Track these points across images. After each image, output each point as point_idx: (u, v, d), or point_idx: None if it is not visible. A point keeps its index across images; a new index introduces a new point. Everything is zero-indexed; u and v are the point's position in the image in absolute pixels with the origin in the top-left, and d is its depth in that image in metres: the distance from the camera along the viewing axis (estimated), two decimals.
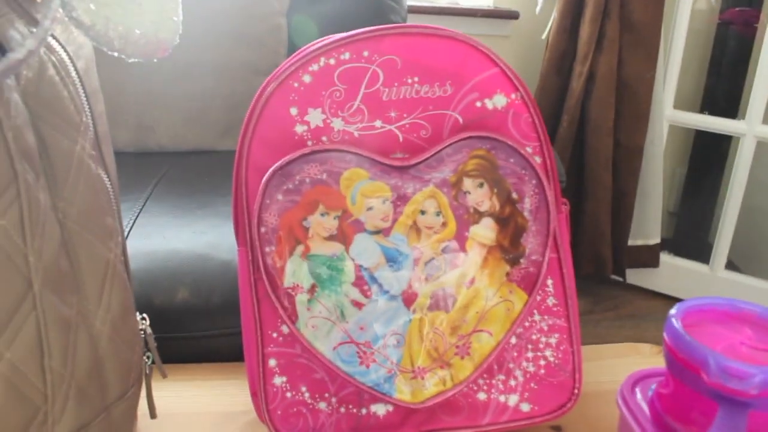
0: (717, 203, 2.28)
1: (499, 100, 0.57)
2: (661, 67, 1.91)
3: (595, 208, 1.95)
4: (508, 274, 0.57)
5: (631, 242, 2.06)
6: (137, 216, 0.89)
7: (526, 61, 2.13)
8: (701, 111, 2.23)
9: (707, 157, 2.32)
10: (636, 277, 2.16)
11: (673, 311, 0.54)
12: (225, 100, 1.25)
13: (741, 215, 2.02)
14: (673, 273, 2.14)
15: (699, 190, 2.35)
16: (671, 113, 2.03)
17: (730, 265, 2.13)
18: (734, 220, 2.00)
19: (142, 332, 0.54)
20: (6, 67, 0.37)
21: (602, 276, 2.07)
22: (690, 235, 2.38)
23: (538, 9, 1.98)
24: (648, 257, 2.09)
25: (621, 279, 2.13)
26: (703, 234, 2.36)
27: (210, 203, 0.94)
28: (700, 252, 2.19)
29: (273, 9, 1.29)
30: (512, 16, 2.04)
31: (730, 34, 2.17)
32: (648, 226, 2.06)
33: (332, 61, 0.55)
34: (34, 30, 0.40)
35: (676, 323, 0.53)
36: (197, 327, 0.74)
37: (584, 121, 1.92)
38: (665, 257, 2.15)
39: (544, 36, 1.98)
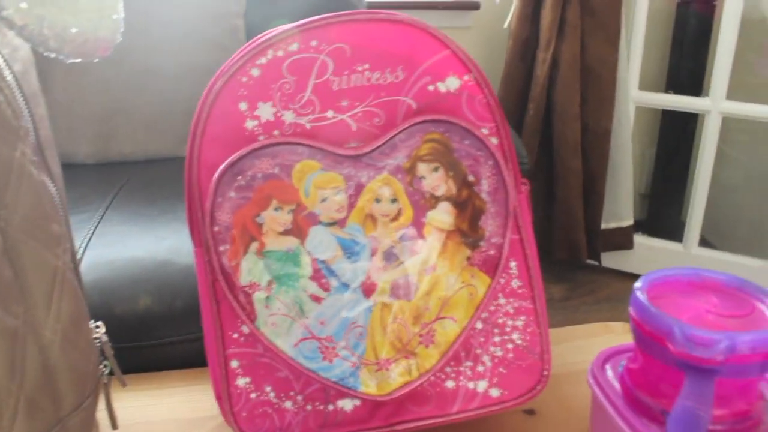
0: (688, 182, 2.30)
1: (452, 83, 0.56)
2: (624, 50, 1.92)
3: (566, 194, 1.96)
4: (468, 259, 0.56)
5: (604, 225, 2.07)
6: (97, 226, 0.88)
7: (489, 51, 2.13)
8: (666, 91, 2.24)
9: (675, 137, 2.34)
10: (611, 260, 2.17)
11: (638, 284, 0.54)
12: (185, 105, 1.23)
13: (711, 192, 2.03)
14: (647, 254, 2.15)
15: (669, 170, 2.37)
16: (637, 94, 2.04)
17: (704, 242, 2.15)
18: (704, 197, 2.02)
19: (98, 340, 0.52)
20: None
21: (578, 261, 2.07)
22: (663, 215, 2.39)
23: None
24: (622, 239, 2.09)
25: (596, 263, 2.13)
26: (676, 213, 2.37)
27: (171, 209, 0.93)
28: (674, 231, 2.20)
29: (230, 10, 1.28)
30: (473, 6, 2.04)
31: (690, 13, 2.18)
32: (620, 208, 2.07)
33: (280, 53, 0.54)
34: None
35: (641, 296, 0.52)
36: (161, 334, 0.73)
37: (551, 108, 1.92)
38: (639, 238, 2.16)
39: (506, 25, 1.98)
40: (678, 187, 2.37)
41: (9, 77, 0.44)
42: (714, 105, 1.92)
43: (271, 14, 1.33)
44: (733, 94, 1.93)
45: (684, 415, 0.48)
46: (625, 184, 2.04)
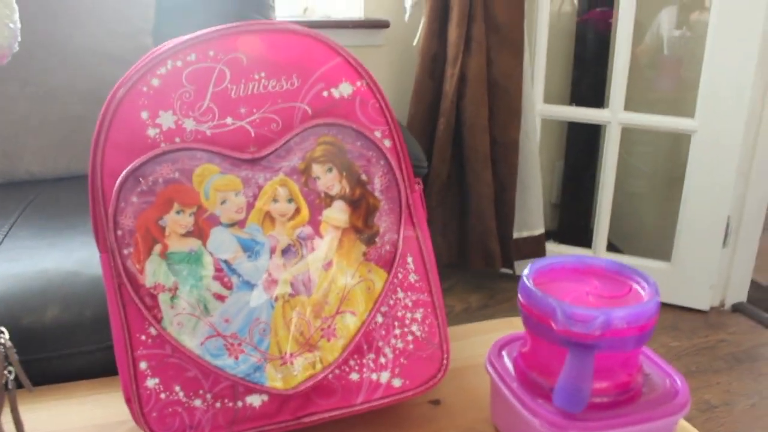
0: (595, 191, 2.39)
1: (345, 89, 0.59)
2: (528, 65, 1.99)
3: (479, 204, 2.01)
4: (365, 254, 0.59)
5: (516, 235, 2.13)
6: (2, 241, 0.87)
7: (400, 68, 2.18)
8: (570, 104, 2.34)
9: (582, 149, 2.44)
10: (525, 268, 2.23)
11: (525, 271, 0.58)
12: (93, 123, 1.23)
13: (617, 200, 2.12)
14: None
15: (578, 181, 2.46)
16: (542, 107, 2.12)
17: (611, 247, 2.23)
18: (609, 204, 2.10)
19: (2, 346, 0.53)
20: None
21: (493, 270, 2.13)
22: (573, 224, 2.48)
23: (406, 16, 2.03)
24: (534, 248, 2.16)
25: (511, 271, 2.19)
26: (585, 222, 2.46)
27: (80, 222, 0.92)
28: (585, 239, 2.29)
29: (138, 28, 1.28)
30: (383, 25, 2.08)
31: (589, 30, 2.29)
32: (531, 217, 2.13)
33: (179, 63, 0.56)
34: None
35: (527, 281, 0.56)
36: (71, 344, 0.73)
37: (460, 121, 1.98)
38: (551, 246, 2.23)
39: (415, 42, 2.03)
40: (587, 197, 2.46)
41: None
42: (613, 116, 2.01)
43: (179, 31, 1.34)
44: (634, 107, 2.02)
45: (567, 389, 0.52)
46: (535, 194, 2.11)
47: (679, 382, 0.57)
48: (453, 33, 1.90)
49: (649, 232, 2.36)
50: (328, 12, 2.15)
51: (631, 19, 1.90)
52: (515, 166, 2.02)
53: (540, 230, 2.15)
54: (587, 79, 2.33)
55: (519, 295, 0.57)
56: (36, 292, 0.74)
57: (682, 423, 0.64)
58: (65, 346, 0.73)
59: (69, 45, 1.21)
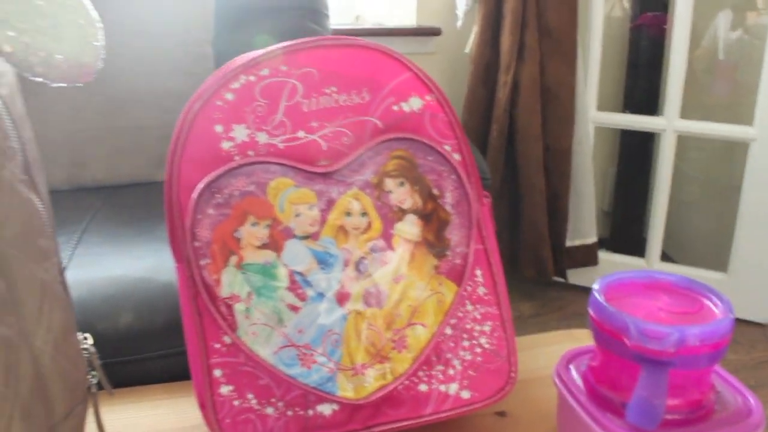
0: (648, 199, 2.36)
1: (414, 103, 0.60)
2: (581, 72, 1.98)
3: (531, 212, 2.00)
4: (436, 267, 0.60)
5: (569, 243, 2.12)
6: (75, 248, 0.90)
7: (452, 75, 2.18)
8: (624, 111, 2.31)
9: (635, 156, 2.41)
10: (577, 276, 2.22)
11: (595, 286, 0.58)
12: (157, 131, 1.26)
13: (671, 208, 2.10)
14: (612, 269, 2.18)
15: (630, 188, 2.43)
16: (595, 115, 2.10)
17: (665, 257, 2.20)
18: (664, 213, 2.08)
19: (86, 351, 0.55)
20: None
21: (545, 278, 2.12)
22: (625, 232, 2.46)
23: (459, 24, 2.03)
24: (587, 256, 2.14)
25: (563, 280, 2.18)
26: (638, 229, 2.44)
27: (148, 230, 0.95)
28: (637, 247, 2.26)
29: (199, 38, 1.31)
30: (435, 32, 2.09)
31: (644, 37, 2.27)
32: (584, 226, 2.12)
33: (252, 78, 0.58)
34: None
35: (598, 296, 0.56)
36: (143, 349, 0.75)
37: (513, 129, 1.97)
38: (603, 255, 2.21)
39: (467, 50, 2.04)
40: (639, 204, 2.43)
41: None
42: (668, 124, 1.98)
43: (238, 41, 1.37)
44: (688, 114, 2.00)
45: (641, 405, 0.51)
46: (588, 202, 2.10)
47: (752, 401, 0.56)
48: (506, 40, 1.90)
49: (703, 241, 2.32)
50: (380, 20, 2.17)
51: (687, 26, 1.88)
52: (568, 174, 2.01)
53: (593, 239, 2.14)
54: (640, 85, 2.30)
55: (590, 310, 0.57)
56: (109, 298, 0.76)
57: None
58: (137, 352, 0.75)
59: (132, 56, 1.24)
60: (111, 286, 0.78)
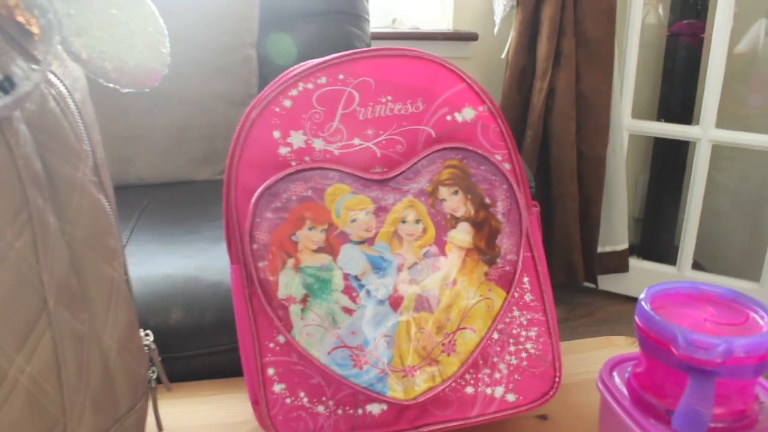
0: (680, 207, 2.36)
1: (467, 113, 0.62)
2: (617, 80, 1.98)
3: (564, 218, 2.01)
4: (486, 274, 0.61)
5: (600, 249, 2.12)
6: (126, 244, 0.92)
7: (487, 80, 2.19)
8: (658, 119, 2.31)
9: (668, 164, 2.40)
10: (607, 282, 2.22)
11: (642, 296, 0.59)
12: (201, 131, 1.28)
13: (703, 217, 2.09)
14: (642, 276, 2.20)
15: (662, 196, 2.43)
16: (630, 123, 2.10)
17: (696, 266, 2.20)
18: (697, 221, 2.07)
19: (147, 347, 0.57)
20: (16, 99, 0.40)
21: (575, 283, 2.12)
22: (656, 239, 2.45)
23: (496, 30, 2.04)
24: (617, 263, 2.14)
25: (593, 285, 2.18)
26: (669, 237, 2.43)
27: (195, 229, 0.97)
28: (667, 255, 2.25)
29: (243, 41, 1.34)
30: (472, 37, 2.10)
31: (680, 45, 2.26)
32: (615, 232, 2.12)
33: (310, 86, 0.59)
34: (34, 66, 0.44)
35: (645, 305, 0.57)
36: (192, 346, 0.77)
37: (547, 135, 1.98)
38: (634, 262, 2.21)
39: (503, 55, 2.05)
40: (671, 212, 2.42)
41: (72, 105, 0.49)
42: (704, 133, 1.98)
43: (281, 45, 1.39)
44: (723, 123, 1.99)
45: (688, 413, 0.53)
46: (620, 209, 2.10)
47: None
48: (543, 47, 1.90)
49: (736, 250, 2.31)
50: (417, 23, 2.18)
51: (726, 35, 1.87)
52: (602, 181, 2.01)
53: (624, 245, 2.14)
54: (675, 93, 2.30)
55: (636, 319, 0.58)
56: (161, 295, 0.78)
57: None
58: (185, 348, 0.77)
59: (179, 58, 1.26)
60: (162, 283, 0.80)
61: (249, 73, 1.34)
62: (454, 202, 0.60)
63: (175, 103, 1.26)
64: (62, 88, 0.48)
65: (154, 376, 0.58)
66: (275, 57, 1.39)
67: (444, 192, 0.60)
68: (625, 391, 0.60)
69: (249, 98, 1.34)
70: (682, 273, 2.14)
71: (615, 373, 0.63)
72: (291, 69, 0.61)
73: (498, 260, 0.61)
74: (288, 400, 0.59)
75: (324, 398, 0.60)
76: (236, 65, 1.32)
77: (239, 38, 1.33)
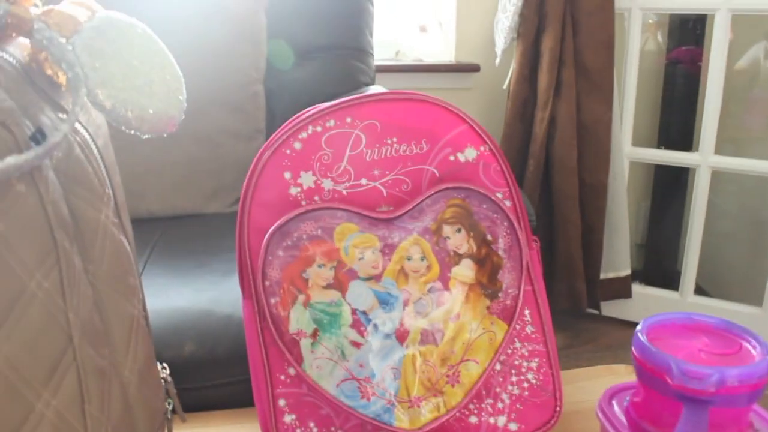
0: (681, 232, 2.38)
1: (469, 153, 0.65)
2: (617, 108, 2.01)
3: (566, 245, 2.03)
4: (488, 308, 0.64)
5: (603, 275, 2.14)
6: (140, 278, 0.95)
7: (489, 111, 2.23)
8: (658, 146, 2.34)
9: (669, 190, 2.43)
10: (610, 308, 2.24)
11: (639, 327, 0.61)
12: (210, 165, 1.31)
13: (704, 242, 2.11)
14: (645, 302, 2.21)
15: (664, 221, 2.45)
16: (630, 150, 2.13)
17: (699, 290, 2.21)
18: (698, 246, 2.09)
19: (163, 380, 0.59)
20: (47, 149, 0.43)
21: (578, 310, 2.14)
22: (659, 265, 2.47)
23: (497, 61, 2.08)
24: (620, 289, 2.16)
25: (596, 312, 2.20)
26: (671, 263, 2.45)
27: (207, 263, 1.00)
28: (670, 280, 2.27)
29: (251, 78, 1.37)
30: (473, 69, 2.14)
31: (679, 72, 2.29)
32: (618, 258, 2.14)
33: (319, 129, 0.62)
34: (61, 116, 0.47)
35: (642, 337, 0.60)
36: (205, 377, 0.80)
37: (549, 163, 2.01)
38: (637, 287, 2.23)
39: (505, 86, 2.08)
40: (672, 237, 2.45)
41: (95, 151, 0.51)
42: (703, 159, 2.01)
43: (288, 80, 1.43)
44: (722, 148, 2.02)
45: None
46: (622, 235, 2.12)
47: None
48: (544, 78, 1.94)
49: (737, 275, 2.33)
50: (420, 55, 2.22)
51: (722, 62, 1.91)
52: (603, 209, 2.04)
53: (626, 271, 2.16)
54: (676, 120, 2.33)
55: (633, 350, 0.60)
56: (174, 328, 0.81)
57: None
58: (198, 380, 0.80)
59: (188, 94, 1.30)
60: (175, 316, 0.83)
61: (257, 109, 1.37)
62: (457, 240, 0.63)
63: (185, 139, 1.30)
64: (86, 135, 0.51)
65: (170, 408, 0.60)
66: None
67: (447, 230, 0.63)
68: (623, 419, 0.63)
69: (257, 133, 1.37)
70: (685, 298, 2.15)
71: (614, 402, 0.66)
72: (301, 113, 0.64)
73: (500, 294, 0.64)
74: (298, 431, 0.62)
75: (333, 428, 0.62)
76: (244, 101, 1.35)
77: (247, 75, 1.37)
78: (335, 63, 1.47)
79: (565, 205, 2.00)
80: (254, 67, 1.38)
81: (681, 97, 2.32)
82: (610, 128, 1.98)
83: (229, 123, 1.33)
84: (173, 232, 1.18)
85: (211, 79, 1.32)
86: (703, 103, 2.02)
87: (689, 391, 0.55)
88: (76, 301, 0.46)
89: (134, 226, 1.18)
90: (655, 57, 2.37)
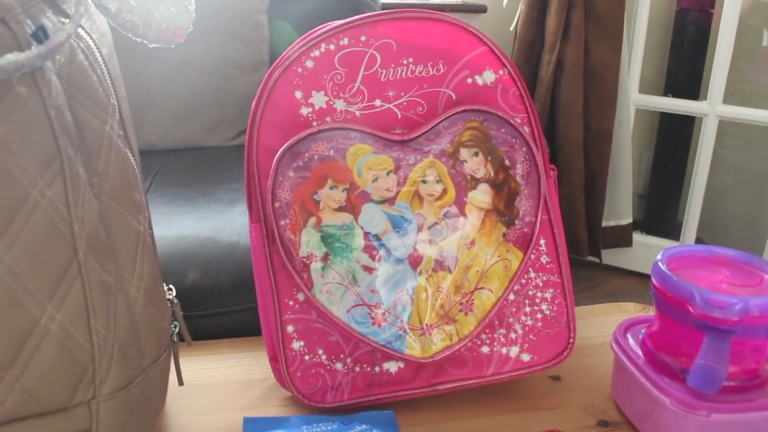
0: (684, 183, 2.36)
1: (488, 76, 0.62)
2: (625, 54, 1.98)
3: (569, 192, 2.02)
4: (504, 235, 0.62)
5: (604, 223, 2.13)
6: (145, 195, 0.93)
7: None
8: (665, 94, 2.31)
9: (673, 140, 2.41)
10: (611, 257, 2.23)
11: (658, 257, 0.60)
12: (211, 97, 1.28)
13: (706, 193, 2.09)
14: (645, 251, 2.21)
15: (666, 172, 2.43)
16: (637, 97, 2.10)
17: (699, 242, 2.21)
18: (701, 197, 2.08)
19: (169, 302, 0.57)
20: (49, 49, 0.41)
21: (579, 257, 2.13)
22: (660, 215, 2.46)
23: (505, 2, 2.03)
24: (621, 237, 2.15)
25: (597, 259, 2.19)
26: (672, 213, 2.44)
27: (209, 192, 0.98)
28: (671, 230, 2.27)
29: (255, 7, 1.33)
30: (480, 9, 2.09)
31: (689, 20, 2.25)
32: (620, 206, 2.13)
33: (332, 47, 0.60)
34: (63, 20, 0.44)
35: (662, 266, 0.58)
36: (209, 306, 0.78)
37: (555, 108, 1.98)
38: (637, 237, 2.22)
39: (512, 28, 2.04)
40: (675, 188, 2.43)
41: (99, 59, 0.49)
42: (711, 108, 1.98)
43: (292, 11, 1.39)
44: (727, 101, 1.99)
45: (703, 371, 0.54)
46: (625, 184, 2.10)
47: None
48: (552, 20, 1.90)
49: (738, 227, 2.32)
50: None
51: (736, 10, 1.87)
52: (607, 156, 2.02)
53: (628, 220, 2.15)
54: (683, 68, 2.29)
55: (653, 279, 0.59)
56: (177, 256, 0.79)
57: None
58: (202, 308, 0.78)
59: None
60: (178, 244, 0.81)
61: (260, 39, 1.33)
62: (475, 164, 0.61)
63: (186, 70, 1.26)
64: (90, 42, 0.48)
65: (176, 331, 0.59)
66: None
67: (464, 153, 0.61)
68: (639, 351, 0.62)
69: (260, 65, 1.34)
70: None
71: (629, 335, 0.64)
72: (314, 30, 0.61)
73: (516, 222, 0.62)
74: (306, 357, 0.60)
75: (342, 356, 0.61)
76: (247, 31, 1.31)
77: (251, 4, 1.33)
78: None
79: (569, 151, 1.98)
80: None
81: (690, 45, 2.28)
82: (618, 73, 1.95)
83: (231, 53, 1.29)
84: (174, 163, 1.16)
85: (213, 7, 1.28)
86: (712, 52, 1.98)
87: (712, 320, 0.53)
88: (80, 213, 0.44)
89: None
90: (666, 4, 2.33)
